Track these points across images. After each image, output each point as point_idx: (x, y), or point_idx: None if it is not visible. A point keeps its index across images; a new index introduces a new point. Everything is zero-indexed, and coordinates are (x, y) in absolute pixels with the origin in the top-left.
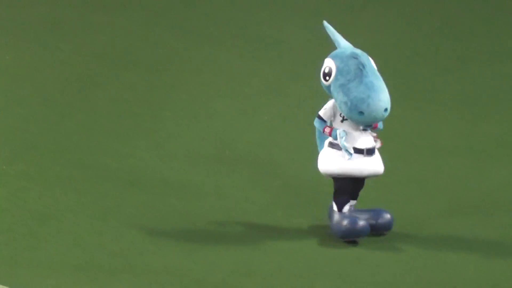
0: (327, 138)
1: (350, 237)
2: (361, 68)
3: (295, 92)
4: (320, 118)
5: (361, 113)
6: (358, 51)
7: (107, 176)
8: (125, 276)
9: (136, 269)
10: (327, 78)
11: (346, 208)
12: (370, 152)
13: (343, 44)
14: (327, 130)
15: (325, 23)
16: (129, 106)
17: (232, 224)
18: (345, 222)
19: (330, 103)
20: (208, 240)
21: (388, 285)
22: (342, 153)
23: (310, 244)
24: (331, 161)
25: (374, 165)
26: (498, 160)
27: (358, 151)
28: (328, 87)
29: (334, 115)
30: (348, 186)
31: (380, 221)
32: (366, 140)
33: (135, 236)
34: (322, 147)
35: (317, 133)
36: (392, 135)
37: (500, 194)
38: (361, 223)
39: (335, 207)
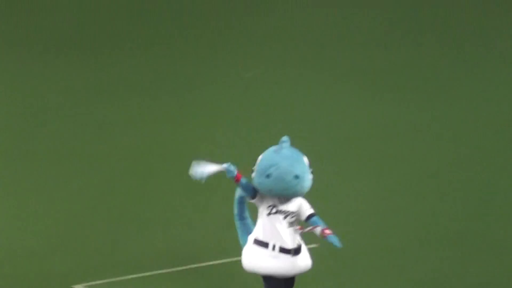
0: (248, 229)
1: None
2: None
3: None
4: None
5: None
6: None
7: None
8: None
9: None
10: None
11: None
12: (297, 251)
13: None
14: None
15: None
16: None
17: None
18: None
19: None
20: None
21: None
22: (269, 251)
23: None
24: (259, 260)
25: (303, 262)
26: None
27: (286, 251)
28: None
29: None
30: (281, 286)
31: None
32: (293, 238)
33: None
34: (244, 239)
35: (238, 224)
36: None
37: None
38: None
39: None
